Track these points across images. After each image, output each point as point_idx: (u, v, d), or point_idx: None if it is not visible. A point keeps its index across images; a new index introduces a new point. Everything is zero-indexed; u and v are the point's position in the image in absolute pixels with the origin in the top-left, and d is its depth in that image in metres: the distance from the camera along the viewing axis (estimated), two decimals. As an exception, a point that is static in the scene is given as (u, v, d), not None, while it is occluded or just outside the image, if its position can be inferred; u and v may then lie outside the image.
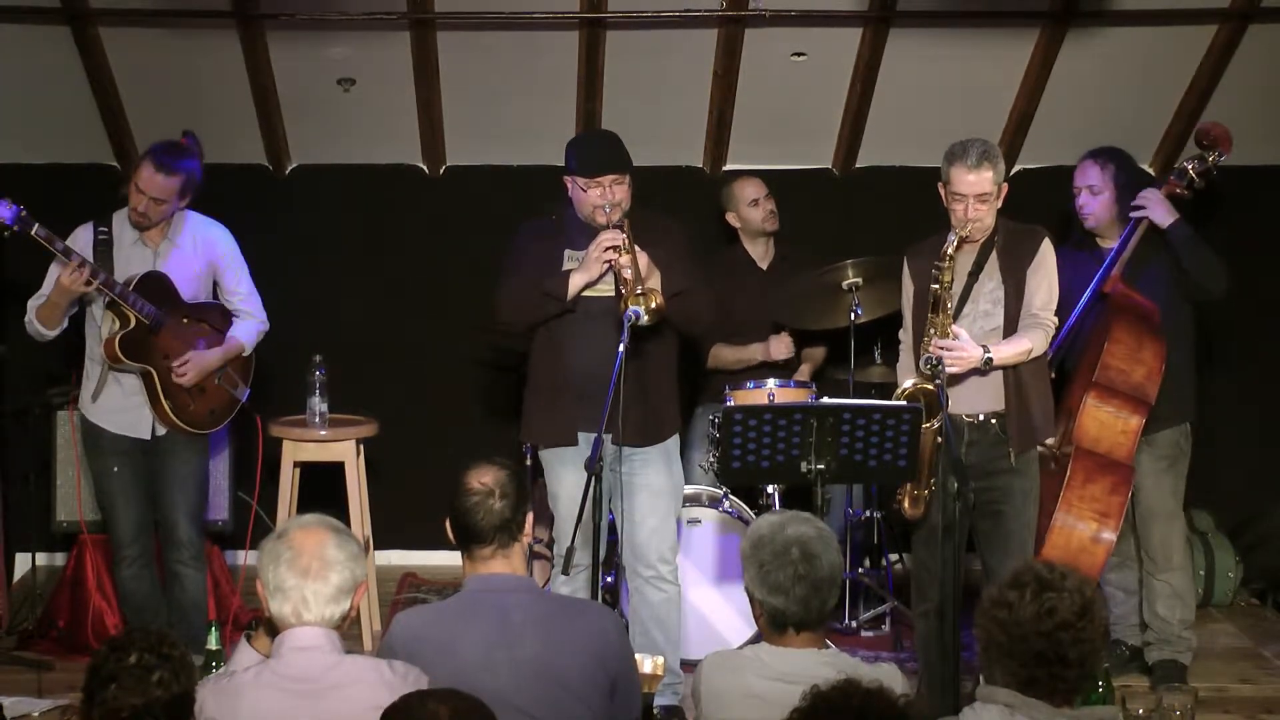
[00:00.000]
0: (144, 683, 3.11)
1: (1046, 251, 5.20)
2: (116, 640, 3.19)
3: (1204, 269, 5.76)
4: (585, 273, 5.23)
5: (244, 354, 5.97)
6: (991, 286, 5.17)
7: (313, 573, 3.45)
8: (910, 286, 5.28)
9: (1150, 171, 7.27)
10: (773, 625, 3.71)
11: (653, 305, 5.01)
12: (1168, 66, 6.90)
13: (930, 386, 4.94)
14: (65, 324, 5.75)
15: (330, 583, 3.45)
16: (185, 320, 5.80)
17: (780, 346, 6.63)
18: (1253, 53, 6.79)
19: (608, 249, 5.15)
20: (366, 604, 6.37)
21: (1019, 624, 3.21)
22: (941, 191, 5.15)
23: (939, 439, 4.97)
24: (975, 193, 5.05)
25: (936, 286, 5.06)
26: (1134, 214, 5.79)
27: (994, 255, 5.18)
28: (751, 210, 6.76)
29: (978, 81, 6.92)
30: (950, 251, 5.05)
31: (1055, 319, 5.23)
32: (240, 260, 5.97)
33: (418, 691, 3.11)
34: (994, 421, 5.15)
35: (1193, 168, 5.86)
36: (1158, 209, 5.76)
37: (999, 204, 5.14)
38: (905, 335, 5.33)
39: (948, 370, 4.98)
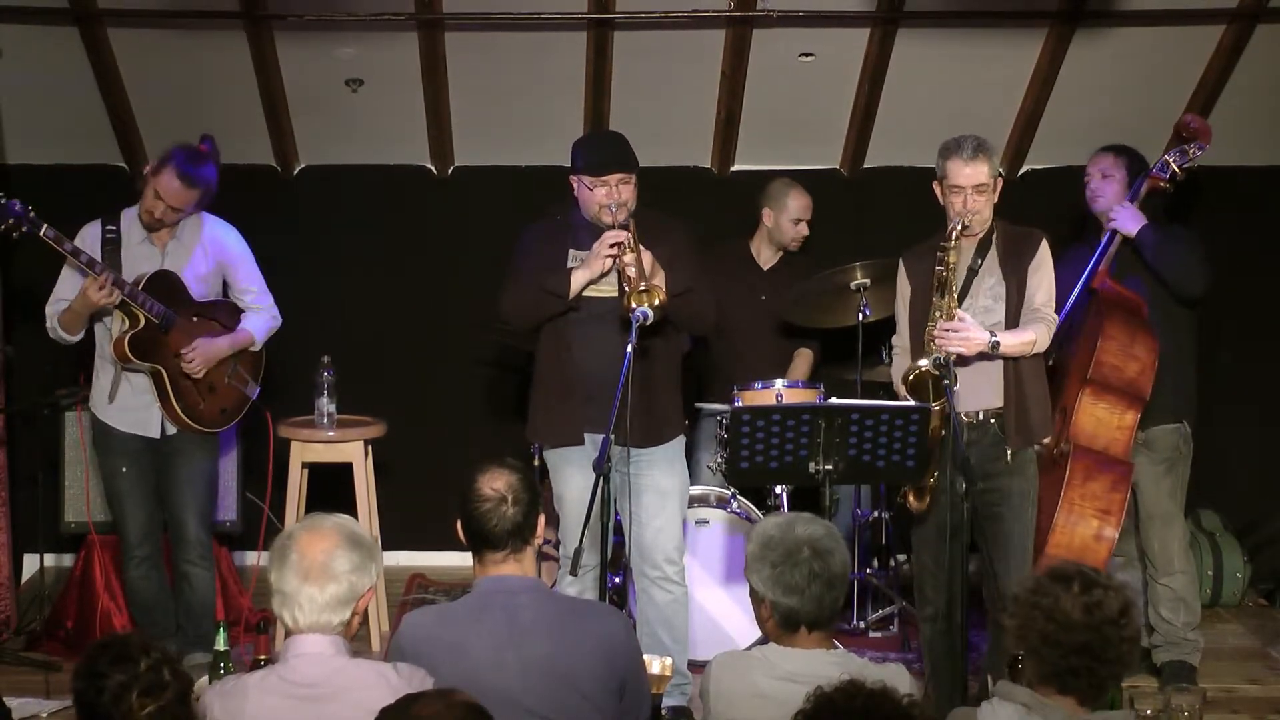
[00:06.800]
0: (159, 681, 3.12)
1: (1045, 252, 5.21)
2: (95, 668, 3.12)
3: (1174, 272, 5.73)
4: (588, 270, 5.22)
5: (254, 347, 5.96)
6: (992, 282, 5.17)
7: (312, 578, 3.44)
8: (907, 288, 5.27)
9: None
10: (784, 625, 3.71)
11: (655, 301, 5.00)
12: (1175, 66, 6.89)
13: (936, 372, 4.92)
14: (87, 326, 5.76)
15: (328, 591, 3.45)
16: (195, 319, 5.80)
17: None
18: (1260, 53, 6.79)
19: (612, 246, 5.15)
20: (375, 605, 6.38)
21: (1065, 613, 3.27)
22: (937, 189, 5.15)
23: (943, 432, 4.95)
24: (973, 184, 5.06)
25: (941, 269, 5.06)
26: (1107, 225, 5.80)
27: (993, 252, 5.19)
28: (790, 225, 6.80)
29: (985, 81, 6.92)
30: (956, 233, 5.05)
31: (1056, 316, 5.24)
32: (251, 259, 5.97)
33: (415, 693, 3.10)
34: (993, 421, 5.15)
35: (1174, 160, 5.85)
36: (1124, 216, 5.76)
37: (995, 198, 5.14)
38: (899, 340, 5.33)
39: (955, 351, 4.97)
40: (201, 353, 5.76)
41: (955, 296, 5.05)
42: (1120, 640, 3.27)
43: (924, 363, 4.96)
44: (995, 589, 4.96)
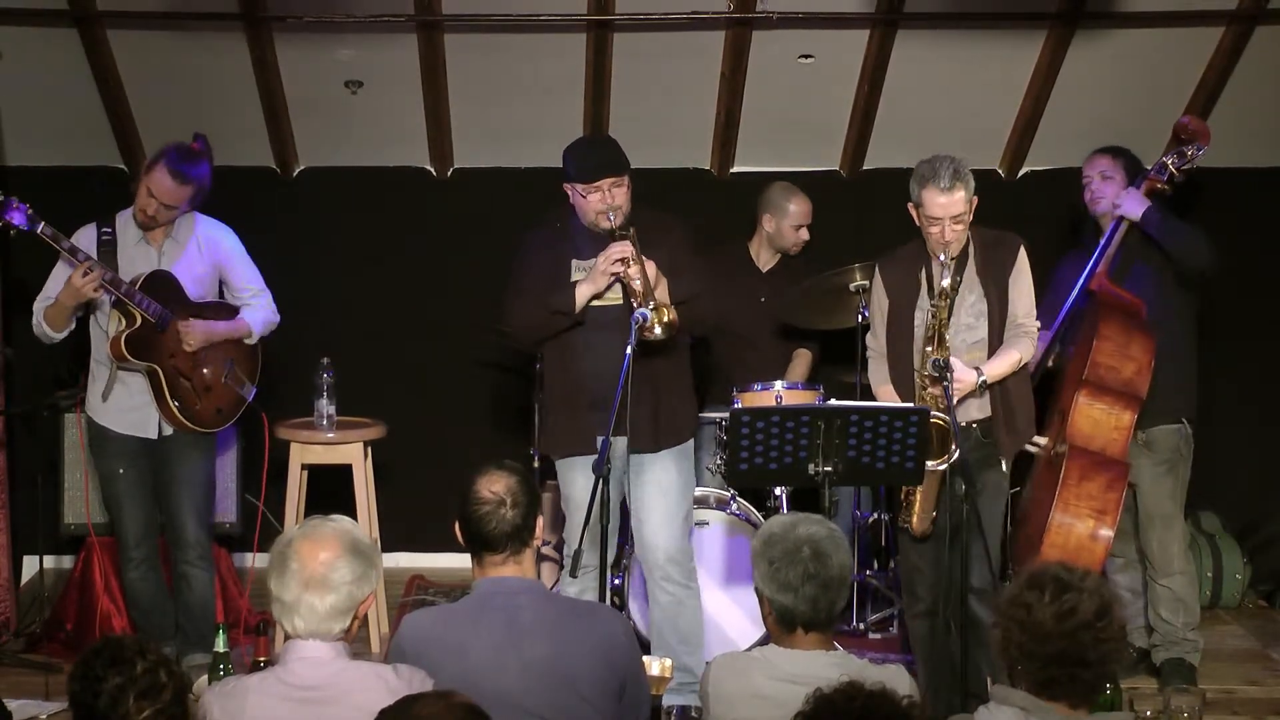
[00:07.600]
0: (155, 682, 3.11)
1: (1023, 259, 5.20)
2: (92, 670, 3.12)
3: (1182, 245, 5.74)
4: (592, 284, 5.22)
5: (250, 339, 5.94)
6: (973, 300, 5.16)
7: (312, 588, 3.43)
8: (884, 300, 5.27)
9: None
10: (781, 624, 3.72)
11: (665, 320, 5.00)
12: (1175, 68, 6.89)
13: (942, 421, 4.92)
14: (73, 325, 5.75)
15: (327, 601, 3.43)
16: (191, 319, 5.80)
17: None
18: (1260, 54, 6.79)
19: (616, 262, 5.14)
20: (374, 607, 6.37)
21: (1039, 624, 3.22)
22: (913, 213, 5.12)
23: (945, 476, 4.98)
24: (950, 214, 5.02)
25: (934, 322, 5.05)
26: (1113, 214, 5.82)
27: (971, 267, 5.17)
28: (791, 231, 6.81)
29: (985, 83, 6.92)
30: (946, 286, 5.04)
31: (1038, 322, 5.25)
32: (247, 257, 5.96)
33: (414, 694, 3.10)
34: (974, 426, 5.17)
35: (1173, 163, 5.85)
36: (1129, 199, 5.78)
37: (970, 218, 5.12)
38: (874, 341, 5.35)
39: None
40: (199, 328, 5.75)
41: (949, 347, 5.04)
42: (1098, 642, 3.21)
43: (939, 416, 4.94)
44: (994, 582, 4.96)
